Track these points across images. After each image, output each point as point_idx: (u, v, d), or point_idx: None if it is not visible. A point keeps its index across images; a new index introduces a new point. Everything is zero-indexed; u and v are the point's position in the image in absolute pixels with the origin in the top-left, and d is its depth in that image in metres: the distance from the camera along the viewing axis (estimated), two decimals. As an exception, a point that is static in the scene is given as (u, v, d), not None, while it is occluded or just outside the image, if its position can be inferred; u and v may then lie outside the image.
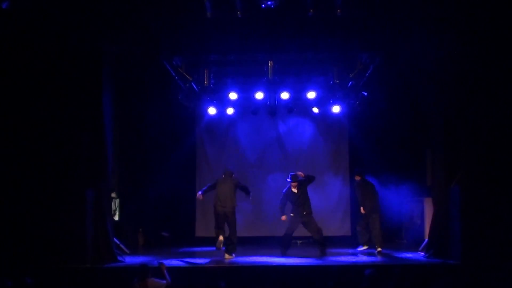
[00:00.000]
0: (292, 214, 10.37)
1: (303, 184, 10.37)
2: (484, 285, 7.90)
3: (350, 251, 10.42)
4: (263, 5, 8.87)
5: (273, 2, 8.80)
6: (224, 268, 8.52)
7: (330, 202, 12.64)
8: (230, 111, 12.42)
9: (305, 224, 10.24)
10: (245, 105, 12.37)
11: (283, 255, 10.07)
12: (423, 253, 9.60)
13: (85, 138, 9.10)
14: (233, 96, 11.75)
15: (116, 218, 11.50)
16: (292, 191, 10.33)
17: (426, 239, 9.86)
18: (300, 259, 9.61)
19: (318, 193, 12.72)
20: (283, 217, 10.40)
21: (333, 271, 8.49)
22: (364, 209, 10.68)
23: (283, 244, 10.34)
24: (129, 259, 9.48)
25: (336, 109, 12.20)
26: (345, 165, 13.06)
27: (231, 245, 10.02)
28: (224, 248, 9.96)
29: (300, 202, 10.24)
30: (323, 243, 10.11)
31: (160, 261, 7.95)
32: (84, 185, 8.99)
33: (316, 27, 9.36)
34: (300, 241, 12.33)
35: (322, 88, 11.77)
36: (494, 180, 8.77)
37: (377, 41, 9.57)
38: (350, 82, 11.26)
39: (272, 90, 11.49)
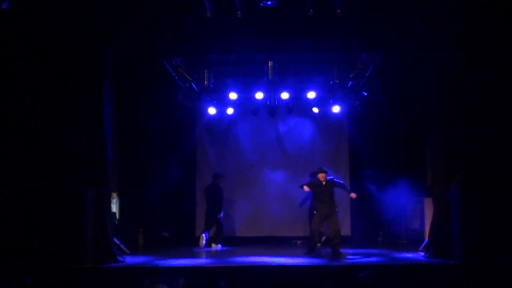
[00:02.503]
0: (315, 212, 10.17)
1: (332, 183, 10.14)
2: (484, 285, 7.90)
3: (350, 251, 10.41)
4: (262, 5, 8.86)
5: (273, 2, 8.80)
6: (224, 268, 8.51)
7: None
8: (230, 111, 12.43)
9: (327, 219, 10.04)
10: (245, 105, 12.39)
11: (309, 255, 10.02)
12: (423, 253, 9.60)
13: (85, 138, 9.09)
14: (233, 96, 11.77)
15: (116, 218, 11.50)
16: (319, 181, 10.05)
17: (426, 239, 9.85)
18: (300, 259, 9.61)
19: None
20: (306, 187, 10.21)
21: (333, 271, 8.48)
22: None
23: (310, 244, 10.25)
24: (129, 259, 9.47)
25: (336, 109, 12.21)
26: (345, 165, 13.06)
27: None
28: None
29: (325, 199, 9.97)
30: (336, 247, 9.74)
31: None
32: (84, 185, 8.98)
33: (316, 27, 9.35)
34: (300, 241, 12.34)
35: (322, 88, 11.79)
36: (494, 180, 8.76)
37: (377, 41, 9.56)
38: (350, 82, 11.26)
39: (272, 90, 11.50)
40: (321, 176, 10.07)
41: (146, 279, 7.03)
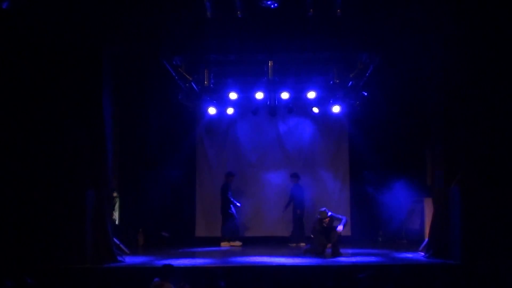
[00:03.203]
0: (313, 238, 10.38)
1: (332, 219, 10.20)
2: (484, 285, 7.91)
3: (350, 251, 10.41)
4: (263, 5, 8.86)
5: (273, 2, 8.80)
6: (224, 268, 8.51)
7: (330, 202, 12.60)
8: (230, 111, 12.43)
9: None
10: (245, 105, 12.38)
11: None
12: (423, 253, 9.60)
13: (85, 138, 9.09)
14: (233, 96, 11.75)
15: (116, 218, 11.51)
16: (322, 224, 10.12)
17: (426, 239, 9.85)
18: (300, 259, 9.61)
19: (318, 193, 12.75)
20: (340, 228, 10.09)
21: (333, 271, 8.49)
22: (299, 210, 12.05)
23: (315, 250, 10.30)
24: (129, 259, 9.48)
25: (336, 109, 12.21)
26: (345, 165, 13.05)
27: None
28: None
29: (327, 232, 10.09)
30: (337, 246, 9.94)
31: None
32: (84, 185, 8.98)
33: (316, 27, 9.35)
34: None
35: (322, 88, 11.78)
36: (494, 180, 8.76)
37: (377, 41, 9.56)
38: (350, 82, 11.26)
39: (272, 90, 11.50)
40: (327, 220, 10.11)
41: (155, 277, 7.02)
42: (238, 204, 12.19)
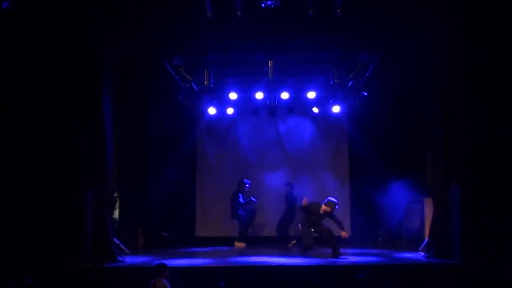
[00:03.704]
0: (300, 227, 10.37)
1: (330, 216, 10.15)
2: (484, 285, 7.92)
3: (350, 251, 10.41)
4: (263, 5, 8.87)
5: (273, 2, 8.80)
6: (224, 268, 8.51)
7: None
8: (230, 111, 12.43)
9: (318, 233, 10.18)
10: (245, 105, 12.39)
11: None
12: (423, 253, 9.60)
13: (85, 138, 9.10)
14: (233, 96, 11.76)
15: (116, 218, 11.50)
16: (320, 212, 10.03)
17: (426, 239, 9.86)
18: (300, 259, 9.61)
19: (318, 193, 12.74)
20: (344, 233, 10.01)
21: (333, 271, 8.49)
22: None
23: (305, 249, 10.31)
24: (129, 259, 9.48)
25: (336, 109, 12.21)
26: (345, 165, 13.05)
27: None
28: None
29: (318, 223, 10.07)
30: (335, 245, 9.82)
31: None
32: (84, 185, 8.99)
33: (316, 27, 9.36)
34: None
35: (322, 88, 11.78)
36: (494, 180, 8.77)
37: (377, 41, 9.58)
38: (350, 82, 11.26)
39: (272, 90, 11.50)
40: (329, 209, 10.04)
41: (151, 279, 7.04)
42: (254, 199, 12.19)
